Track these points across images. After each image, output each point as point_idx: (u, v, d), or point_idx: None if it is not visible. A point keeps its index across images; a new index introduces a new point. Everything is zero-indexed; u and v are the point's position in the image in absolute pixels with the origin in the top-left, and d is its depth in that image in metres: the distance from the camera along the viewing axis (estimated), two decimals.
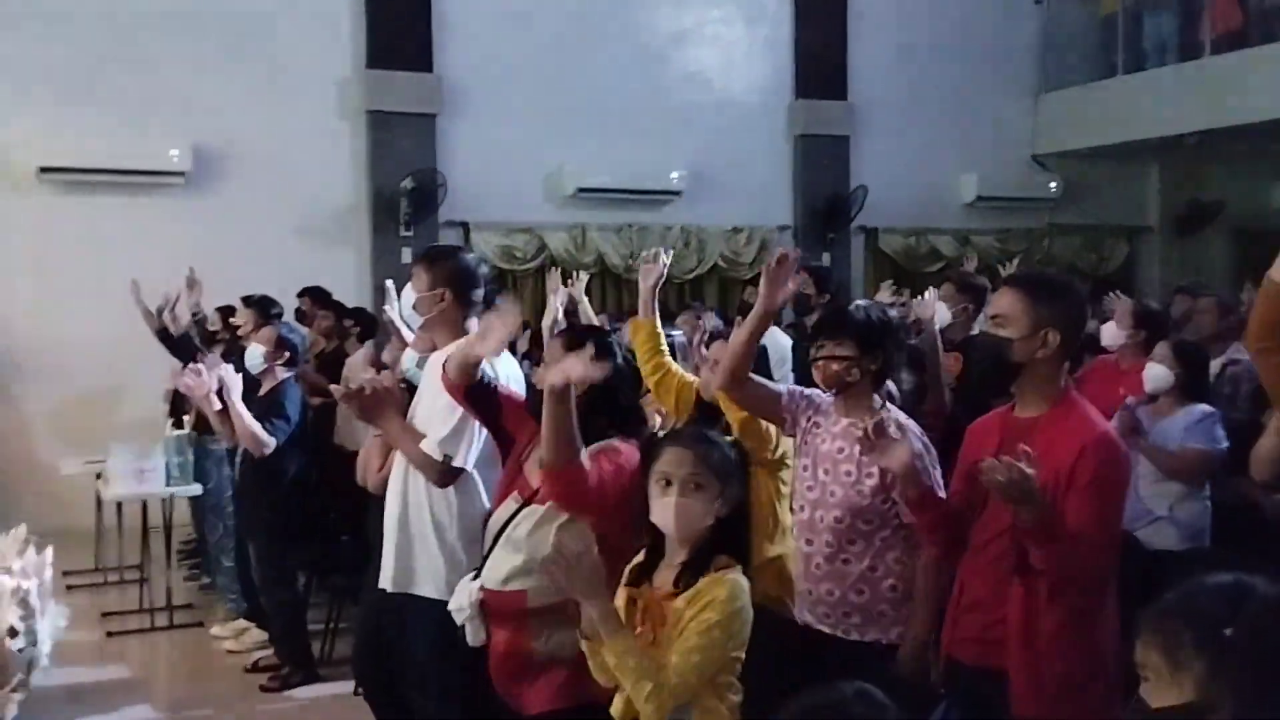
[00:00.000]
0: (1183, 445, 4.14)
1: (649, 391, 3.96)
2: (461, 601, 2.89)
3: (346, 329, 7.20)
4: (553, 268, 6.02)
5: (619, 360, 2.95)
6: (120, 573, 6.65)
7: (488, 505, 3.12)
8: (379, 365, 4.58)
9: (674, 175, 9.71)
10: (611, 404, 2.88)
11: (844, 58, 10.40)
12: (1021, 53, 11.03)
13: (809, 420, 3.12)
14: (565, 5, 9.49)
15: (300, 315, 7.39)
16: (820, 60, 10.30)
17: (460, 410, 3.14)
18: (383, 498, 3.68)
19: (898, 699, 1.69)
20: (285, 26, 8.69)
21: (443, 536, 3.24)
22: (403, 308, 3.50)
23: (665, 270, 4.03)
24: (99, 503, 6.70)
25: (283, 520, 5.05)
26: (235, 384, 4.93)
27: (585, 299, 5.26)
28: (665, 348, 3.98)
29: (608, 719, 2.41)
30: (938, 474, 2.90)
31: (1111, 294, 5.78)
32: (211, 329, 6.46)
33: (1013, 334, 2.55)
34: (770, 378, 3.56)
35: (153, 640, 5.87)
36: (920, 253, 10.72)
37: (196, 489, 5.87)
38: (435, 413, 3.20)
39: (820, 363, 3.06)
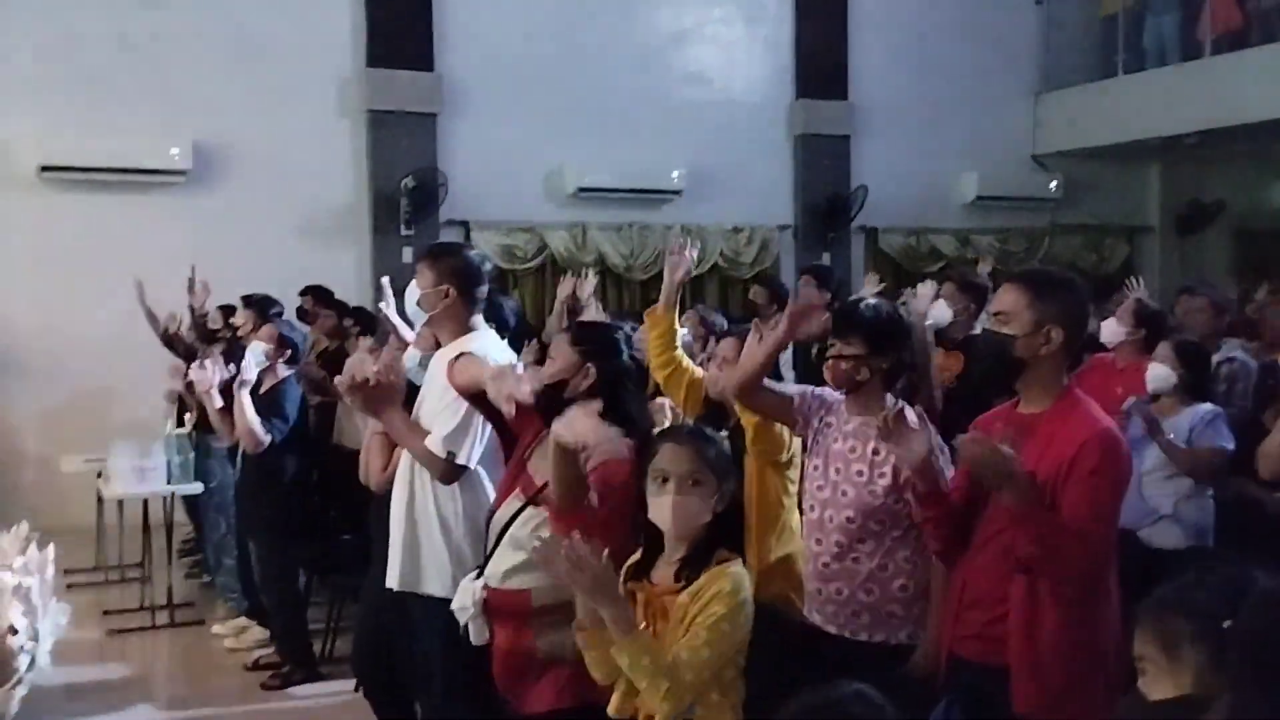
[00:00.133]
0: (1194, 444, 4.14)
1: (659, 392, 3.95)
2: (465, 601, 2.89)
3: (347, 329, 7.21)
4: (565, 274, 6.01)
5: (624, 357, 2.94)
6: (121, 571, 6.66)
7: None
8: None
9: (674, 174, 9.71)
10: (616, 401, 2.88)
11: (845, 57, 10.40)
12: (1022, 53, 11.03)
13: (821, 420, 3.11)
14: (566, 5, 9.49)
15: (302, 314, 7.40)
16: (821, 60, 10.30)
17: (465, 407, 3.14)
18: (384, 496, 3.69)
19: (905, 699, 1.69)
20: (286, 25, 8.69)
21: (449, 535, 3.24)
22: (407, 305, 3.50)
23: (693, 264, 3.93)
24: (100, 501, 6.70)
25: (283, 518, 5.06)
26: (249, 375, 4.93)
27: (596, 303, 5.25)
28: (680, 344, 3.95)
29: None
30: (949, 473, 2.89)
31: (1130, 281, 5.74)
32: (213, 327, 6.46)
33: (1016, 331, 2.55)
34: (779, 376, 3.56)
35: (154, 638, 5.88)
36: (920, 252, 10.72)
37: (198, 487, 5.87)
38: (440, 409, 3.20)
39: (830, 362, 3.06)
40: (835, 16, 10.34)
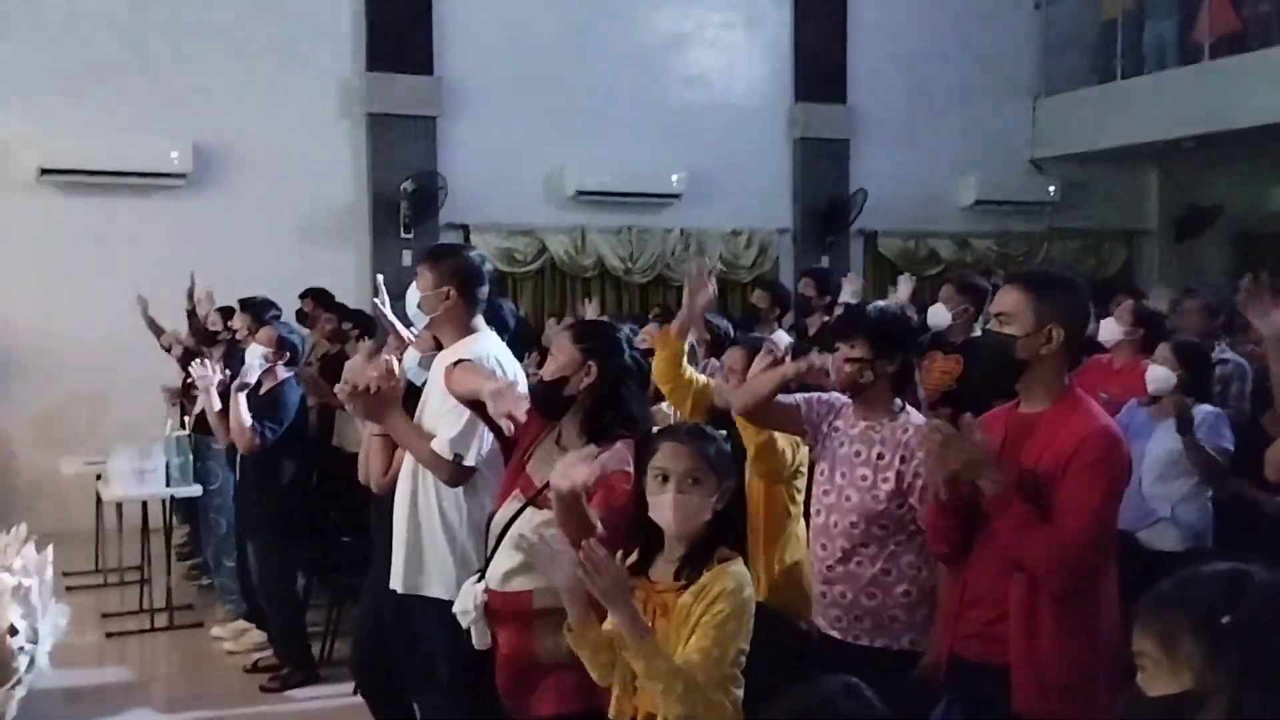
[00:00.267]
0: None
1: (660, 396, 3.94)
2: (466, 604, 2.88)
3: (346, 332, 7.20)
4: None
5: (626, 357, 2.93)
6: (120, 574, 6.65)
7: None
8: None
9: (674, 178, 9.72)
10: (617, 401, 2.87)
11: (843, 61, 10.40)
12: (1020, 56, 11.04)
13: (829, 425, 3.10)
14: (565, 8, 9.50)
15: (302, 317, 7.40)
16: (820, 64, 10.31)
17: (469, 409, 3.13)
18: (384, 497, 3.68)
19: (905, 701, 1.70)
20: (286, 28, 8.69)
21: (452, 536, 3.23)
22: (408, 308, 3.50)
23: (715, 292, 3.75)
24: (99, 503, 6.70)
25: (282, 519, 5.06)
26: (249, 377, 4.95)
27: (593, 308, 5.23)
28: (685, 366, 3.88)
29: None
30: None
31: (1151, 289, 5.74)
32: (212, 329, 6.46)
33: (1017, 331, 2.55)
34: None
35: (153, 641, 5.87)
36: (919, 256, 10.72)
37: (196, 490, 5.87)
38: (443, 413, 3.18)
39: (835, 365, 3.06)
40: (835, 20, 10.35)
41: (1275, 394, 3.28)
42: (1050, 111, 11.02)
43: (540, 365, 4.22)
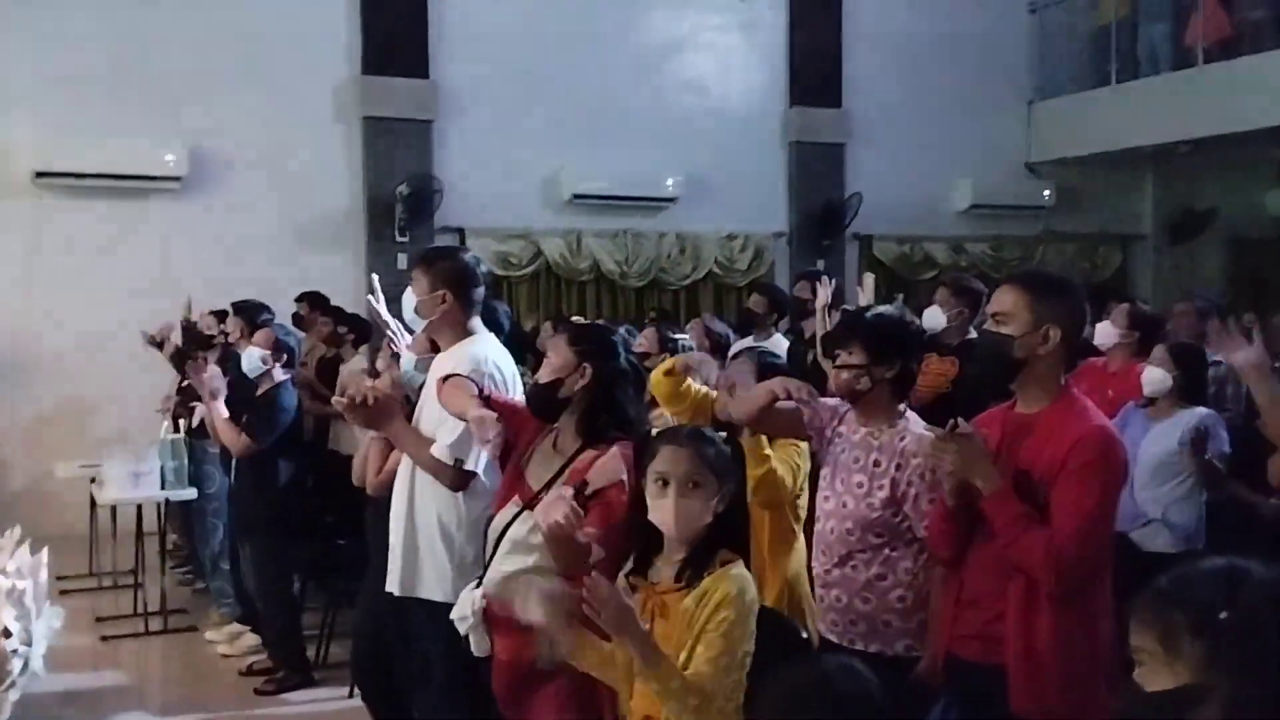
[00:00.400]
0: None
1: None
2: (464, 610, 2.87)
3: (342, 336, 7.21)
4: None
5: (622, 360, 2.93)
6: (114, 577, 6.64)
7: None
8: (375, 375, 4.56)
9: (669, 182, 9.72)
10: (612, 403, 2.87)
11: (839, 65, 10.42)
12: (1015, 61, 11.06)
13: (834, 431, 3.09)
14: (561, 12, 9.50)
15: (298, 320, 7.39)
16: (815, 68, 10.32)
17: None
18: (380, 500, 3.67)
19: (903, 701, 1.71)
20: (281, 32, 8.68)
21: (449, 539, 3.22)
22: (404, 312, 3.49)
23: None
24: (93, 507, 6.68)
25: (278, 522, 5.05)
26: (220, 386, 5.01)
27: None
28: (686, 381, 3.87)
29: None
30: None
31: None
32: (207, 333, 6.46)
33: (1014, 331, 2.55)
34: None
35: (147, 645, 5.85)
36: (914, 260, 10.74)
37: (192, 493, 5.85)
38: (443, 418, 3.15)
39: (833, 372, 3.05)
40: (830, 25, 10.37)
41: (1264, 419, 3.30)
42: (1045, 116, 11.04)
43: (535, 370, 4.20)
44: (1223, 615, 1.39)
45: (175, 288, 6.94)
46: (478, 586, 2.88)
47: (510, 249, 9.43)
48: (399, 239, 8.98)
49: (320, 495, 5.73)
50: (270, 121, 8.67)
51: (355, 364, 6.68)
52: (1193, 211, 11.40)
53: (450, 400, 3.06)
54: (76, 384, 8.15)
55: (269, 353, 5.07)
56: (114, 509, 6.15)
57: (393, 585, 3.33)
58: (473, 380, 3.11)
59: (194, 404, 5.74)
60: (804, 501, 3.56)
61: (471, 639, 2.86)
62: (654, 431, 2.75)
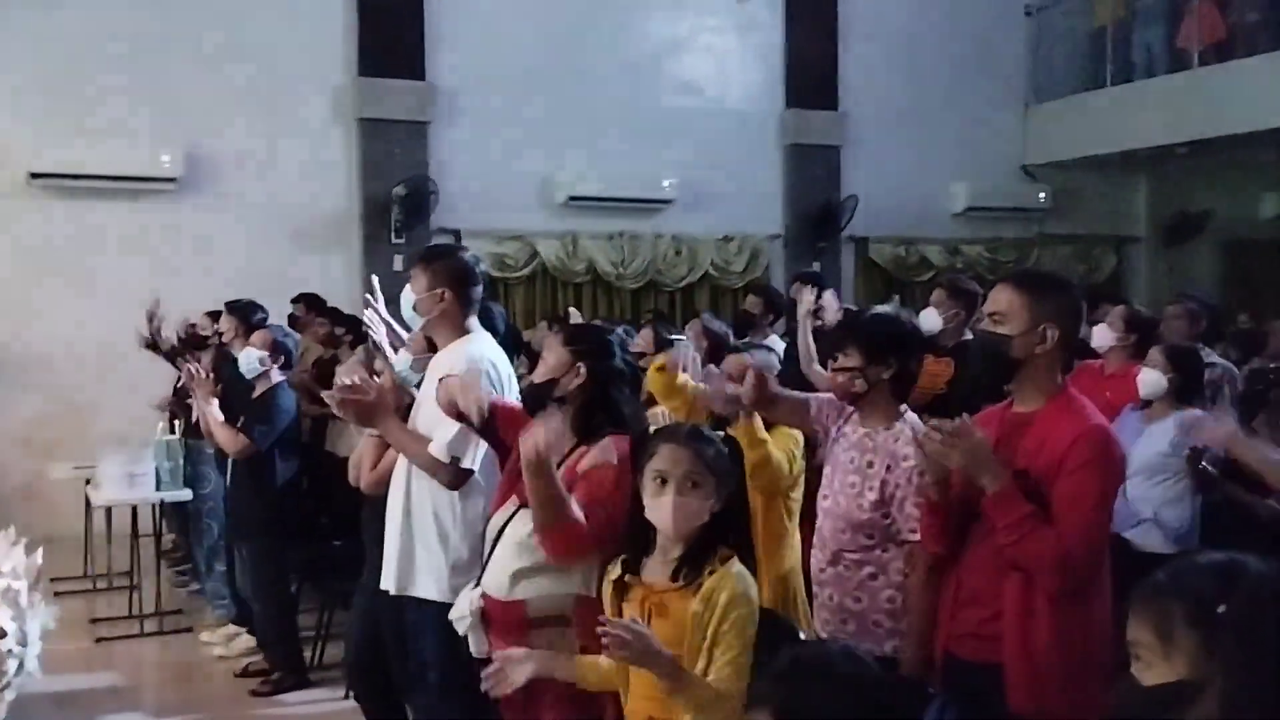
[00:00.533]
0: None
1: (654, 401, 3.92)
2: (463, 609, 2.87)
3: (339, 337, 7.19)
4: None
5: (617, 360, 2.93)
6: (109, 579, 6.62)
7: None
8: (372, 373, 4.56)
9: (665, 184, 9.72)
10: (607, 402, 2.87)
11: (835, 67, 10.43)
12: (1011, 63, 11.08)
13: (837, 430, 3.10)
14: (558, 14, 9.51)
15: (294, 321, 7.38)
16: (811, 70, 10.33)
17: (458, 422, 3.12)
18: (375, 500, 3.67)
19: (900, 701, 1.71)
20: (278, 33, 8.68)
21: (445, 537, 3.22)
22: (402, 311, 3.49)
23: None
24: (88, 508, 6.66)
25: (275, 523, 5.04)
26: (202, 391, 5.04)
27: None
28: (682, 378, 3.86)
29: None
30: None
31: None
32: (202, 334, 6.45)
33: (1011, 330, 2.56)
34: (801, 383, 3.54)
35: (142, 646, 5.84)
36: (910, 262, 10.75)
37: (187, 494, 5.84)
38: (440, 416, 3.14)
39: (830, 374, 3.06)
40: (826, 26, 10.38)
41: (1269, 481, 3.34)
42: (1041, 118, 11.06)
43: (530, 370, 4.21)
44: (1221, 609, 1.39)
45: (171, 288, 6.91)
46: (476, 586, 2.88)
47: (506, 250, 9.43)
48: (395, 240, 8.98)
49: (315, 497, 5.72)
50: (266, 122, 8.66)
51: (351, 364, 6.66)
52: (1187, 214, 11.42)
53: (445, 401, 3.05)
54: (71, 385, 8.13)
55: (267, 354, 5.06)
56: (109, 510, 6.13)
57: (388, 583, 3.32)
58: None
59: (190, 402, 5.72)
60: (798, 495, 3.56)
61: (470, 639, 2.86)
62: (653, 429, 2.75)
